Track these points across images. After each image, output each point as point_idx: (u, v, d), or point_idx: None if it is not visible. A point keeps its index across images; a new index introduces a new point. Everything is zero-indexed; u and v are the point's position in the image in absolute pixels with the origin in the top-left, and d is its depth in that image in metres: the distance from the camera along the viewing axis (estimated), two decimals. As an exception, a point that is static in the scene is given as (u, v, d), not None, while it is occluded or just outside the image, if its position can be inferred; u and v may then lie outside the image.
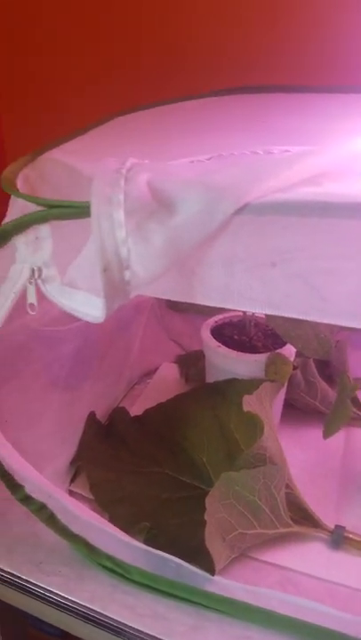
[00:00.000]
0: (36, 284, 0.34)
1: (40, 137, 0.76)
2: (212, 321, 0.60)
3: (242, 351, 0.54)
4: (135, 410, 0.66)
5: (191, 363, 0.70)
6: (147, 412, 0.64)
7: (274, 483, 0.45)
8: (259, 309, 0.28)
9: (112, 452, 0.59)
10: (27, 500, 0.48)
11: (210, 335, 0.57)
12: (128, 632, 0.43)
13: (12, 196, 0.36)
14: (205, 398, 0.58)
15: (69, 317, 0.57)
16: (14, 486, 0.48)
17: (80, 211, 0.29)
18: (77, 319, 0.58)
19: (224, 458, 0.54)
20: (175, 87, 0.65)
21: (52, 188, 0.36)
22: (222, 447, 0.55)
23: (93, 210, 0.27)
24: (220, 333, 0.58)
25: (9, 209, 0.37)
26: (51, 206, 0.31)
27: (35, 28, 0.71)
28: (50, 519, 0.49)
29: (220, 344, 0.55)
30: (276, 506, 0.46)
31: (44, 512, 0.49)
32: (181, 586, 0.44)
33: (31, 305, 0.35)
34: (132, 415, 0.64)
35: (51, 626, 0.78)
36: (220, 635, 0.42)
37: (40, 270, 0.34)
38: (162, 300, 0.72)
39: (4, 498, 0.54)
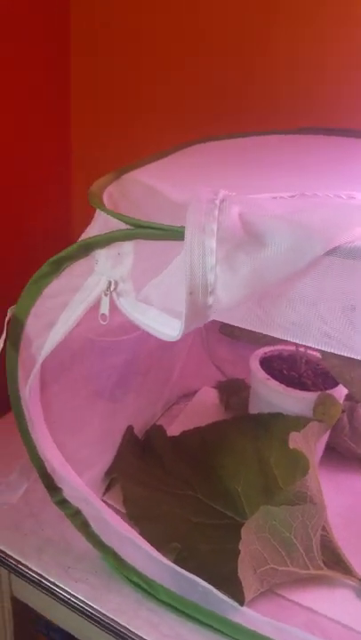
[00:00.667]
0: (111, 297, 0.35)
1: (105, 157, 0.79)
2: (261, 352, 0.60)
3: (290, 387, 0.54)
4: (172, 430, 0.66)
5: (232, 390, 0.70)
6: (184, 433, 0.64)
7: (312, 523, 0.44)
8: (335, 349, 0.28)
9: (147, 469, 0.60)
10: (63, 503, 0.49)
11: (259, 366, 0.57)
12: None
13: (98, 211, 0.38)
14: (247, 429, 0.58)
15: (122, 330, 0.59)
16: (53, 488, 0.49)
17: (166, 233, 0.31)
18: (128, 332, 0.60)
19: (260, 491, 0.54)
20: (245, 122, 0.67)
21: (134, 207, 0.37)
22: (259, 480, 0.54)
23: (187, 236, 0.28)
24: (268, 366, 0.58)
25: (93, 222, 0.39)
26: (139, 226, 0.32)
27: (118, 53, 0.74)
28: (83, 526, 0.49)
29: (269, 376, 0.55)
30: (311, 546, 0.45)
31: (78, 518, 0.49)
32: (207, 612, 0.44)
33: (103, 315, 0.36)
34: (168, 435, 0.65)
35: (59, 634, 0.78)
36: (241, 668, 0.41)
37: (116, 284, 0.35)
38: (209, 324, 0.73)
39: (39, 499, 0.55)
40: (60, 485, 0.49)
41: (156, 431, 0.65)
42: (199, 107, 0.72)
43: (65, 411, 0.53)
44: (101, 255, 0.35)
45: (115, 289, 0.35)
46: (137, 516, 0.53)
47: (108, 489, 0.58)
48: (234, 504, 0.54)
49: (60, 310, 0.40)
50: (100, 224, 0.37)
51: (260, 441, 0.56)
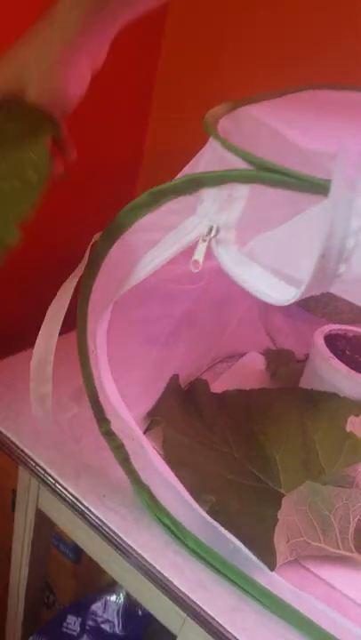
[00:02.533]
0: (209, 244, 0.31)
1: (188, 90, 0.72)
2: (327, 328, 0.55)
3: (352, 369, 0.49)
4: (215, 386, 0.63)
5: (281, 361, 0.66)
6: (227, 392, 0.61)
7: (354, 507, 0.41)
8: None
9: (188, 419, 0.57)
10: (109, 435, 0.47)
11: (323, 343, 0.53)
12: (173, 590, 0.41)
13: (209, 143, 0.33)
14: (296, 401, 0.55)
15: (188, 280, 0.55)
16: (102, 419, 0.47)
17: (298, 183, 0.26)
18: (194, 283, 0.56)
19: (298, 464, 0.51)
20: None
21: (250, 146, 0.32)
22: (299, 453, 0.51)
23: (333, 191, 0.23)
24: (332, 344, 0.54)
25: (200, 155, 0.34)
26: (265, 168, 0.27)
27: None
28: (124, 460, 0.47)
29: (332, 355, 0.51)
30: (347, 529, 0.42)
31: (120, 451, 0.47)
32: (232, 567, 0.41)
33: (195, 262, 0.32)
34: (211, 391, 0.62)
35: (70, 550, 0.79)
36: (257, 624, 0.40)
37: (218, 230, 0.31)
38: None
39: (81, 424, 0.53)
40: (108, 417, 0.46)
41: (200, 384, 0.62)
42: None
43: (121, 348, 0.50)
44: (209, 195, 0.30)
45: (215, 235, 0.31)
46: (174, 461, 0.51)
47: (146, 430, 0.55)
48: (270, 470, 0.51)
49: (148, 247, 0.36)
50: (212, 159, 0.31)
51: (307, 416, 0.53)
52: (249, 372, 0.68)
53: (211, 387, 0.62)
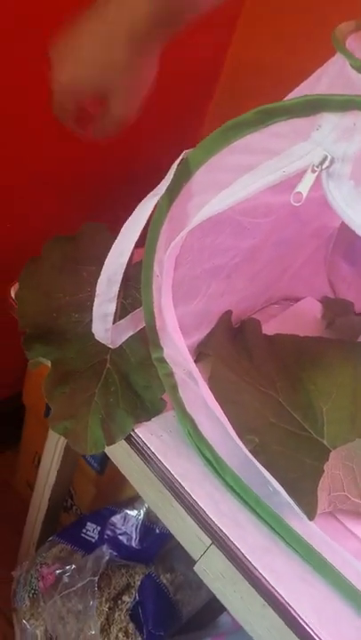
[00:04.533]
0: (319, 175, 0.29)
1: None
2: None
3: None
4: (266, 328, 0.62)
5: (339, 311, 0.64)
6: (279, 336, 0.61)
7: None
8: None
9: (236, 356, 0.57)
10: (160, 362, 0.48)
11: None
12: (206, 521, 0.43)
13: (334, 60, 0.29)
14: (352, 355, 0.54)
15: (262, 212, 0.53)
16: (156, 345, 0.47)
17: None
18: (267, 217, 0.54)
19: (345, 418, 0.51)
20: None
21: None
22: (348, 407, 0.51)
23: None
24: None
25: (321, 73, 0.31)
26: None
27: None
28: (172, 388, 0.48)
29: None
30: (390, 490, 0.42)
31: (169, 379, 0.48)
32: (268, 510, 0.43)
33: (299, 194, 0.30)
34: (263, 332, 0.61)
35: (96, 460, 0.83)
36: (285, 567, 0.42)
37: (332, 161, 0.28)
38: (344, 237, 0.66)
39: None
40: (162, 345, 0.47)
41: (251, 323, 0.62)
42: None
43: (185, 278, 0.49)
44: (329, 121, 0.28)
45: (328, 167, 0.28)
46: (219, 395, 0.51)
47: (195, 362, 0.56)
48: (314, 420, 0.51)
49: (241, 172, 0.34)
50: (337, 79, 0.29)
51: (363, 371, 0.52)
52: (303, 317, 0.67)
53: (262, 328, 0.62)
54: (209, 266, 0.53)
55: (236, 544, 0.42)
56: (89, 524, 0.75)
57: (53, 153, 0.68)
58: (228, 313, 0.61)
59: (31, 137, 0.66)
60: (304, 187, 0.29)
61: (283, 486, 0.43)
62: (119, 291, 0.58)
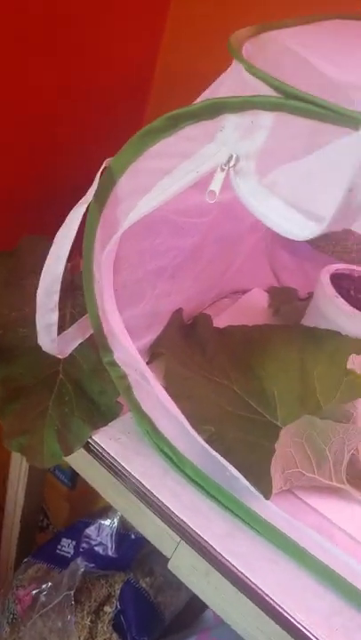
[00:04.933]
0: (227, 173, 0.31)
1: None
2: (333, 267, 0.57)
3: (356, 309, 0.51)
4: (217, 322, 0.65)
5: (284, 298, 0.68)
6: (229, 327, 0.63)
7: (349, 442, 0.44)
8: None
9: (189, 352, 0.59)
10: (112, 365, 0.49)
11: (329, 281, 0.54)
12: (170, 517, 0.45)
13: (233, 67, 0.32)
14: (296, 338, 0.57)
15: (198, 213, 0.55)
16: (105, 349, 0.49)
17: (324, 112, 0.26)
18: (203, 216, 0.56)
19: (295, 398, 0.54)
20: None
21: (276, 72, 0.31)
22: (297, 388, 0.54)
23: None
24: (337, 284, 0.55)
25: (223, 78, 0.33)
26: (293, 97, 0.27)
27: None
28: (126, 390, 0.49)
29: (337, 294, 0.52)
30: (340, 462, 0.45)
31: (123, 382, 0.49)
32: (228, 495, 0.45)
33: (212, 192, 0.32)
34: (214, 325, 0.64)
35: (66, 476, 0.84)
36: (250, 549, 0.44)
37: (238, 160, 0.31)
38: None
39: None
40: (112, 348, 0.48)
41: (202, 319, 0.64)
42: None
43: (128, 281, 0.51)
44: (230, 122, 0.30)
45: (234, 165, 0.31)
46: (175, 392, 0.53)
47: (149, 362, 0.58)
48: (267, 403, 0.54)
49: (160, 175, 0.36)
50: (235, 83, 0.31)
51: (307, 353, 0.55)
52: (252, 308, 0.70)
53: (214, 322, 0.64)
54: (151, 267, 0.55)
55: (200, 534, 0.44)
56: (64, 539, 0.75)
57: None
58: (179, 311, 0.63)
59: None
60: (215, 185, 0.32)
61: (243, 471, 0.45)
62: (67, 300, 0.60)
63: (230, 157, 0.31)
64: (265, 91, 0.29)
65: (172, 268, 0.57)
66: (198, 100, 0.34)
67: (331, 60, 0.32)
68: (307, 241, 0.58)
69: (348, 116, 0.25)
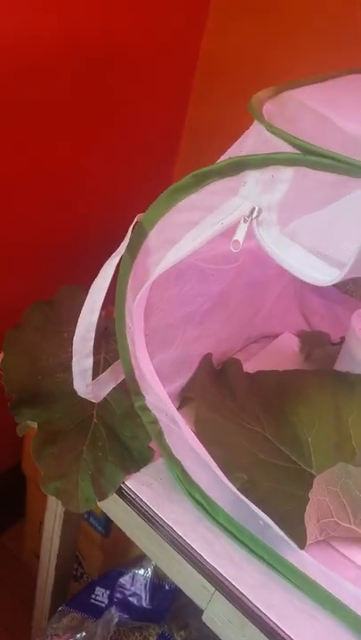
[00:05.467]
0: (250, 225, 0.33)
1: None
2: (364, 312, 0.57)
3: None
4: (247, 367, 0.65)
5: (316, 342, 0.67)
6: (260, 373, 0.63)
7: (385, 489, 0.43)
8: None
9: (220, 397, 0.60)
10: (143, 410, 0.50)
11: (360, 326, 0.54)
12: (202, 564, 0.44)
13: (254, 126, 0.34)
14: (329, 383, 0.56)
15: (225, 260, 0.57)
16: (137, 394, 0.50)
17: (341, 166, 0.27)
18: (230, 263, 0.58)
19: (331, 445, 0.53)
20: None
21: (294, 129, 0.33)
22: (331, 435, 0.53)
23: None
24: (368, 327, 0.55)
25: (245, 137, 0.35)
26: (309, 152, 0.29)
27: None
28: (158, 435, 0.50)
29: (369, 338, 0.52)
30: (377, 511, 0.44)
31: (154, 426, 0.50)
32: (261, 544, 0.44)
33: (236, 242, 0.34)
34: (244, 371, 0.64)
35: (100, 523, 0.83)
36: (285, 601, 0.42)
37: (260, 211, 0.33)
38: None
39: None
40: (143, 393, 0.49)
41: (233, 364, 0.65)
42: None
43: (159, 327, 0.52)
44: (252, 177, 0.32)
45: (257, 216, 0.32)
46: (206, 438, 0.53)
47: (180, 407, 0.58)
48: (301, 451, 0.53)
49: (188, 227, 0.38)
50: (256, 141, 0.33)
51: (342, 399, 0.54)
52: (282, 353, 0.70)
53: (244, 367, 0.65)
54: (181, 313, 0.56)
55: (234, 584, 0.43)
56: (98, 588, 0.74)
57: (29, 220, 0.73)
58: (209, 355, 0.64)
59: (7, 205, 0.71)
60: (239, 235, 0.33)
61: (277, 520, 0.44)
62: (101, 347, 0.62)
63: (253, 209, 0.33)
64: (284, 147, 0.30)
65: (200, 313, 0.58)
66: (223, 157, 0.36)
67: (346, 114, 0.34)
68: (336, 286, 0.58)
69: (349, 164, 0.26)
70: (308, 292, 0.72)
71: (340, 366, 0.59)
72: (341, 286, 0.56)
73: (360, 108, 0.37)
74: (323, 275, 0.30)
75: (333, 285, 0.63)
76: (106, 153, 0.75)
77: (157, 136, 0.82)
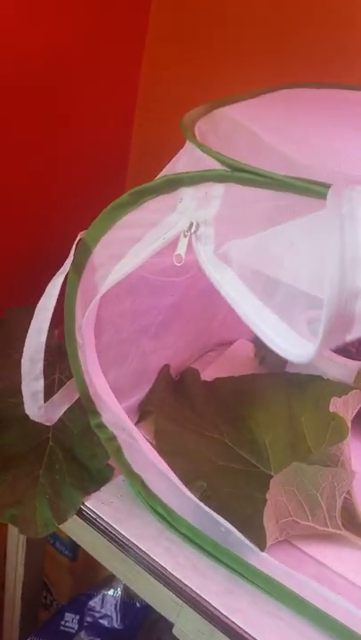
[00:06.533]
0: (190, 239, 0.35)
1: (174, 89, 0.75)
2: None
3: (334, 352, 0.54)
4: (205, 375, 0.67)
5: (269, 347, 0.70)
6: (217, 380, 0.65)
7: (339, 486, 0.45)
8: None
9: (179, 408, 0.61)
10: (100, 427, 0.51)
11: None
12: (167, 577, 0.45)
13: (187, 144, 0.36)
14: (282, 385, 0.59)
15: (174, 272, 0.59)
16: (93, 412, 0.50)
17: (265, 181, 0.29)
18: (180, 275, 0.59)
19: (286, 445, 0.55)
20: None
21: (225, 145, 0.35)
22: (287, 435, 0.55)
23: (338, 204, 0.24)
24: (316, 329, 0.58)
25: (180, 155, 0.37)
26: (238, 169, 0.31)
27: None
28: (116, 452, 0.51)
29: (316, 339, 0.55)
30: (334, 507, 0.46)
31: (112, 444, 0.51)
32: (224, 550, 0.46)
33: (178, 256, 0.36)
34: (202, 379, 0.66)
35: (66, 547, 0.83)
36: (251, 605, 0.44)
37: (198, 226, 0.34)
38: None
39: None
40: (99, 410, 0.50)
41: (190, 373, 0.66)
42: (286, 48, 0.67)
43: (112, 342, 0.53)
44: (187, 194, 0.34)
45: (195, 231, 0.34)
46: (166, 449, 0.55)
47: (139, 421, 0.59)
48: (259, 454, 0.55)
49: (131, 243, 0.40)
50: (190, 159, 0.35)
51: (294, 399, 0.57)
52: (238, 359, 0.72)
53: (201, 375, 0.66)
54: (134, 327, 0.57)
55: (200, 593, 0.44)
56: (67, 614, 0.74)
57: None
58: (167, 367, 0.65)
59: None
60: (181, 249, 0.35)
61: (239, 525, 0.46)
62: (55, 366, 0.62)
63: (191, 224, 0.34)
64: (215, 165, 0.32)
65: (155, 326, 0.60)
66: (159, 175, 0.38)
67: (276, 130, 0.36)
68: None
69: (287, 183, 0.28)
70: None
71: (291, 368, 0.61)
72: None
73: (289, 125, 0.39)
74: (251, 306, 0.31)
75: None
76: (54, 172, 0.75)
77: (106, 155, 0.83)
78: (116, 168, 0.86)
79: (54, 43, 0.66)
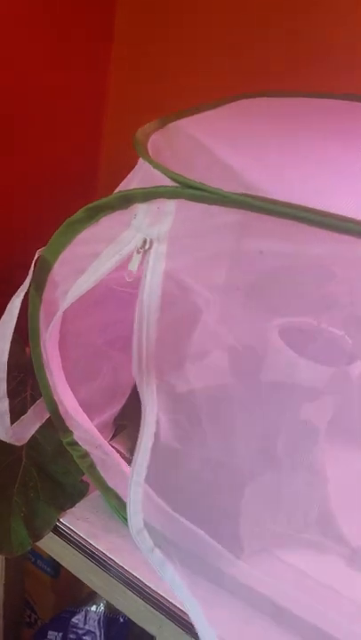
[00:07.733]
0: (143, 255, 0.35)
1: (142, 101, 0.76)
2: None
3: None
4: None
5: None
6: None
7: (315, 492, 0.46)
8: None
9: (153, 420, 0.61)
10: (72, 445, 0.51)
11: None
12: (145, 590, 0.46)
13: (141, 160, 0.37)
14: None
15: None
16: (64, 430, 0.51)
17: (216, 197, 0.30)
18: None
19: (255, 452, 0.55)
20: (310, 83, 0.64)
21: (179, 160, 0.36)
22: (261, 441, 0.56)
23: None
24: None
25: (134, 171, 0.38)
26: (188, 186, 0.31)
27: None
28: (90, 468, 0.51)
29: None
30: (309, 513, 0.47)
31: (85, 460, 0.51)
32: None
33: (130, 272, 0.36)
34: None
35: (48, 565, 0.83)
36: (230, 615, 0.44)
37: (151, 243, 0.35)
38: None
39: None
40: (71, 428, 0.50)
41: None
42: (250, 57, 0.68)
43: (81, 357, 0.54)
44: (141, 210, 0.34)
45: (149, 248, 0.35)
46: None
47: (114, 435, 0.60)
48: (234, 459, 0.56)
49: (91, 259, 0.40)
50: (144, 175, 0.36)
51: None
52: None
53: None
54: (102, 341, 0.58)
55: (178, 605, 0.45)
56: (50, 632, 0.74)
57: None
58: (139, 380, 0.65)
59: None
60: (132, 265, 0.36)
61: (217, 536, 0.46)
62: (26, 384, 0.63)
63: (145, 241, 0.35)
64: (166, 181, 0.33)
65: (123, 339, 0.60)
66: (116, 190, 0.38)
67: (229, 144, 0.37)
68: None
69: (233, 199, 0.29)
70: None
71: (267, 375, 0.62)
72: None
73: (244, 138, 0.40)
74: None
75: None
76: (15, 189, 0.76)
77: (74, 169, 0.83)
78: (86, 181, 0.86)
79: (14, 57, 0.66)
